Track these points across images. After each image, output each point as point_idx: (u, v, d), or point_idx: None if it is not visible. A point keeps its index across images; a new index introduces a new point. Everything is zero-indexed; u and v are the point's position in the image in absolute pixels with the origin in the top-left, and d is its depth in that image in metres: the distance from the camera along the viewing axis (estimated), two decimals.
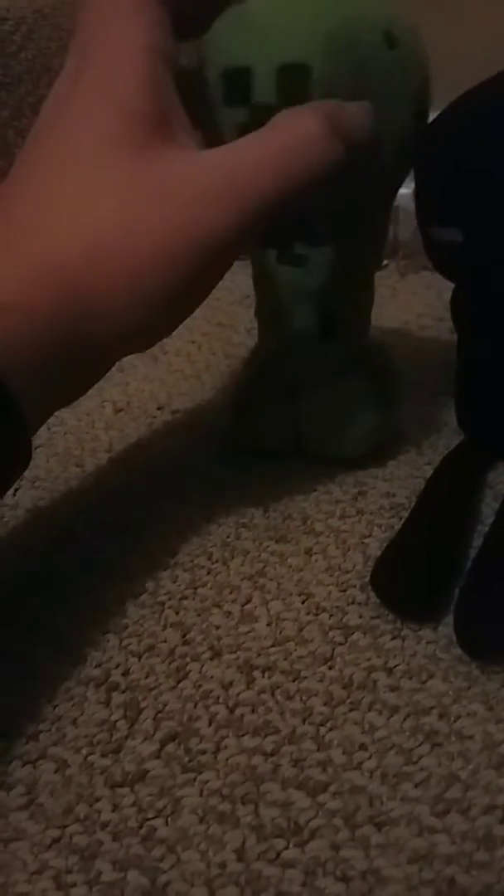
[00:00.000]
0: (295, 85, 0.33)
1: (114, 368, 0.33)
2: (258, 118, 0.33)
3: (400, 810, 0.26)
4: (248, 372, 0.45)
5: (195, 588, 0.36)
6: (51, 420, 0.41)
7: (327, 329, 0.40)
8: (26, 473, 0.31)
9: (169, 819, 0.27)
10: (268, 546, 0.38)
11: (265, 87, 0.34)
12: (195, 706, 0.30)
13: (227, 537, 0.39)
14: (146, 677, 0.32)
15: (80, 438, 0.47)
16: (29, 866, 0.25)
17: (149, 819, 0.27)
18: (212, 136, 0.35)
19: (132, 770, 0.28)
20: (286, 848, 0.26)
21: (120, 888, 0.25)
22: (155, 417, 0.49)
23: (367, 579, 0.35)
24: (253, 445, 0.44)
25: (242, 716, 0.30)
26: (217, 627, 0.34)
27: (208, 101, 0.35)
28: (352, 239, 0.38)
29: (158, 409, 0.50)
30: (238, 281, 0.43)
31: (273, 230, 0.39)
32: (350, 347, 0.42)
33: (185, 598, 0.35)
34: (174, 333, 0.33)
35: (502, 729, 0.29)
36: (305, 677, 0.31)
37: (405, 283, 0.64)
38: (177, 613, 0.35)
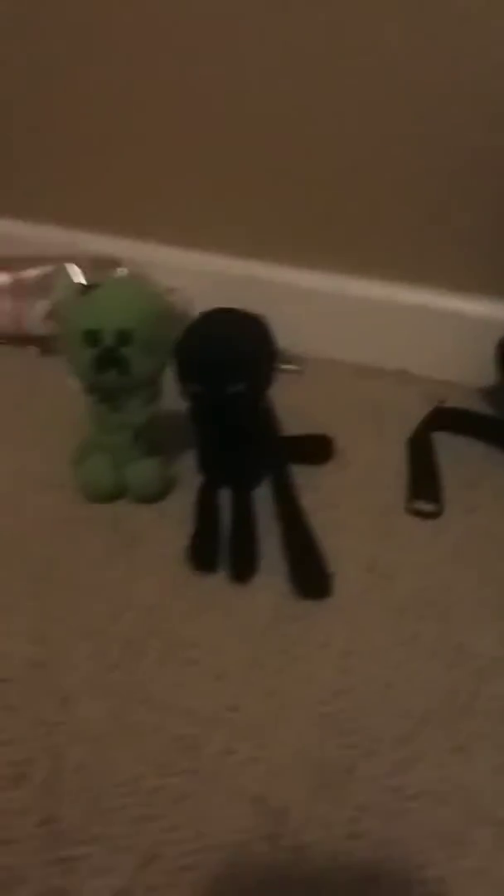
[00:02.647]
0: (124, 339, 0.72)
1: None
2: (106, 354, 0.72)
3: None
4: (87, 451, 0.82)
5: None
6: None
7: (136, 436, 0.79)
8: None
9: None
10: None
11: (109, 338, 0.72)
12: None
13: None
14: None
15: None
16: None
17: None
18: (75, 364, 0.73)
19: None
20: None
21: None
22: None
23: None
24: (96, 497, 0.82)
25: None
26: None
27: (74, 344, 0.72)
28: (144, 396, 0.78)
29: None
30: None
31: (103, 393, 0.77)
32: (148, 443, 0.81)
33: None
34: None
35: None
36: None
37: None
38: None
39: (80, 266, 1.07)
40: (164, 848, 0.54)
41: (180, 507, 0.81)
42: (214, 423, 0.81)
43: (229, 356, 0.77)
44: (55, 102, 1.03)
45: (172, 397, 0.79)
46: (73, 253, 1.08)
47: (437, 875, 0.53)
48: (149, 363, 0.75)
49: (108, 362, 0.73)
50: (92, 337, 0.72)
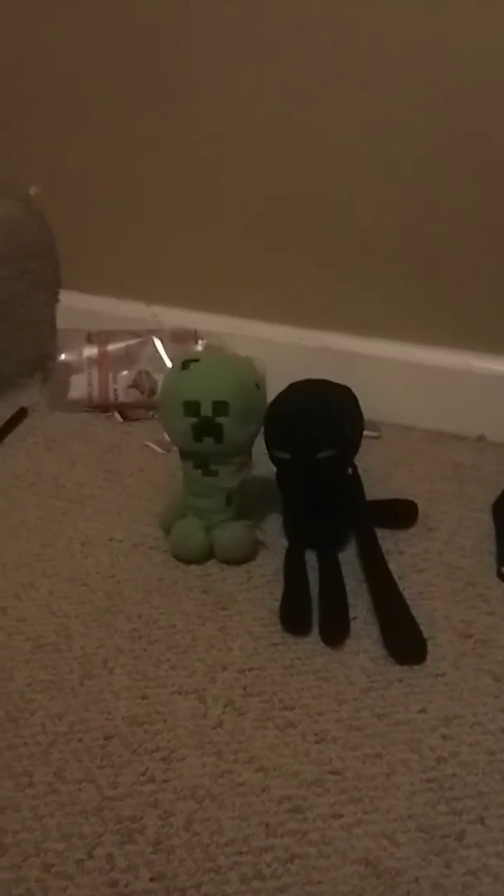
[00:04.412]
0: (220, 409, 0.76)
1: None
2: (204, 423, 0.76)
3: None
4: (178, 513, 0.85)
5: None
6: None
7: (228, 500, 0.82)
8: None
9: None
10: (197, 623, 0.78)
11: (206, 409, 0.76)
12: None
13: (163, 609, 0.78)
14: None
15: (52, 567, 0.83)
16: None
17: None
18: (174, 432, 0.77)
19: None
20: None
21: None
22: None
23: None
24: (188, 558, 0.84)
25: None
26: None
27: (174, 413, 0.76)
28: (237, 462, 0.81)
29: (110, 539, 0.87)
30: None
31: (199, 459, 0.80)
32: (238, 506, 0.83)
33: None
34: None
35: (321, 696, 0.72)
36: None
37: None
38: None
39: (161, 339, 1.12)
40: None
41: (267, 570, 0.83)
42: (303, 487, 0.83)
43: (319, 423, 0.80)
44: (140, 195, 1.09)
45: (258, 463, 0.82)
46: (154, 326, 1.14)
47: None
48: (242, 431, 0.78)
49: (206, 431, 0.77)
50: (191, 407, 0.76)
